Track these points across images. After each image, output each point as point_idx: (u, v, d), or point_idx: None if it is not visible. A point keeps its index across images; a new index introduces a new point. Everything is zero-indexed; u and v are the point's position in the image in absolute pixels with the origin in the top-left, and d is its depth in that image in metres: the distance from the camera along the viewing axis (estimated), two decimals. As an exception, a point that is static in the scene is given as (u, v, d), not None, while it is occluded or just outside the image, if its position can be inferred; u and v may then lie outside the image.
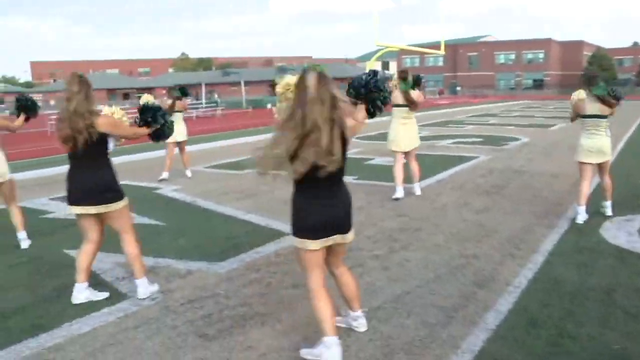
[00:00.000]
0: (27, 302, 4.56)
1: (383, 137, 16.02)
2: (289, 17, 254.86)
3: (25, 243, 6.14)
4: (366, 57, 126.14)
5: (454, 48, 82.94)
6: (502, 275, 4.91)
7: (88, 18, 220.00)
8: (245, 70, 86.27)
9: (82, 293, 4.52)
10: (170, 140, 10.25)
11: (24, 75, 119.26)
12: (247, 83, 76.84)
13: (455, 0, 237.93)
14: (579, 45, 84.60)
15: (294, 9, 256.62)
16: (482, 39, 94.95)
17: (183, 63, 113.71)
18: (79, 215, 4.43)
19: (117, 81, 69.78)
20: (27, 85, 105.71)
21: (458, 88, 78.83)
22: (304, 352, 3.55)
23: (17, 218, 6.13)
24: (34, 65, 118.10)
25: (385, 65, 48.34)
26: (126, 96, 74.33)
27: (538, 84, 79.71)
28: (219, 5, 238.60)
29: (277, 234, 6.33)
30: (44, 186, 10.09)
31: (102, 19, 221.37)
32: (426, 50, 32.82)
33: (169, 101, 9.93)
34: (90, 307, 4.40)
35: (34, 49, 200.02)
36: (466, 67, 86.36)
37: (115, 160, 4.73)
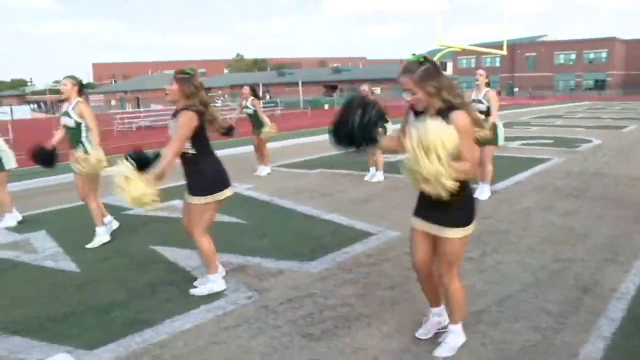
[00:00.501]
0: (123, 297, 4.63)
1: None
2: (342, 18, 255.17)
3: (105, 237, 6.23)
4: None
5: (511, 48, 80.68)
6: (605, 280, 4.69)
7: (146, 21, 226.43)
8: (299, 70, 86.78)
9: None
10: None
11: (87, 76, 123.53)
12: (301, 83, 77.44)
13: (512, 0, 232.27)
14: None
15: (348, 10, 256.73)
16: (540, 39, 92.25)
17: (238, 64, 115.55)
18: (220, 202, 4.48)
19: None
20: (89, 86, 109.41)
21: (515, 89, 76.89)
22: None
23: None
24: (96, 66, 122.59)
25: (444, 66, 47.62)
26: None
27: (600, 85, 76.79)
28: (273, 7, 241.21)
29: (362, 235, 6.27)
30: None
31: (158, 22, 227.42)
32: (489, 50, 32.11)
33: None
34: (187, 304, 4.43)
35: (96, 51, 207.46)
36: (524, 67, 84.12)
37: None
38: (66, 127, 5.85)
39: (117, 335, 3.92)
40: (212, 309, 4.36)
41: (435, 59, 26.85)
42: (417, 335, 3.74)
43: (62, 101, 6.02)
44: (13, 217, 7.23)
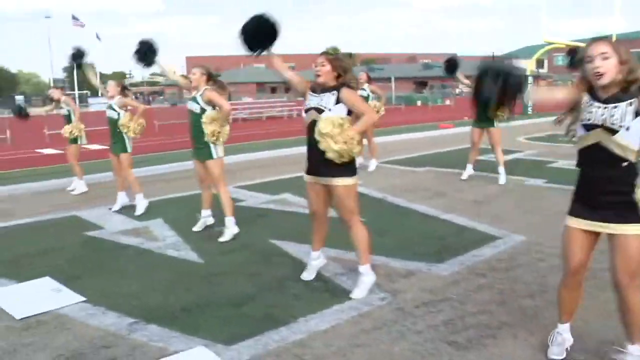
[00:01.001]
0: (251, 291, 4.52)
1: (551, 139, 15.03)
2: (431, 12, 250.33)
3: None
4: (514, 54, 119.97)
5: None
6: None
7: (237, 15, 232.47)
8: (389, 66, 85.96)
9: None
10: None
11: (180, 70, 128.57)
12: (390, 79, 76.63)
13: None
14: None
15: (437, 3, 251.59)
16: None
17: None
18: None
19: (267, 75, 72.66)
20: (184, 78, 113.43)
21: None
22: None
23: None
24: (189, 60, 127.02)
25: (540, 64, 45.34)
26: (274, 90, 77.37)
27: None
28: (362, 1, 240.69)
29: (487, 238, 5.87)
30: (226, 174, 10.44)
31: (247, 15, 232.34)
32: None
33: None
34: (317, 302, 4.25)
35: (189, 45, 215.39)
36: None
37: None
38: (191, 112, 5.89)
39: (253, 331, 3.79)
40: (346, 309, 4.15)
41: (535, 56, 25.49)
42: (550, 356, 3.33)
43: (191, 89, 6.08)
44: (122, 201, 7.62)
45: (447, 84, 74.81)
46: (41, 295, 4.43)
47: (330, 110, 4.13)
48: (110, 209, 7.50)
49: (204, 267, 5.15)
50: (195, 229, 6.25)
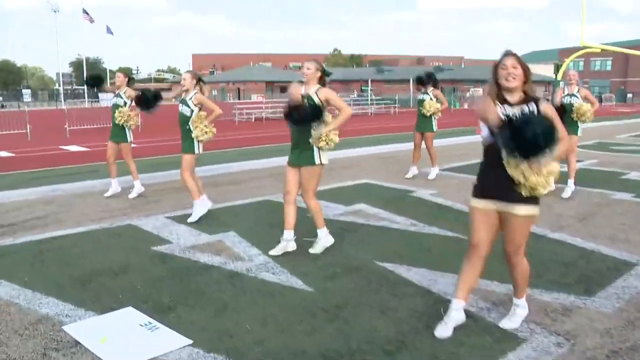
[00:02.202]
0: (395, 333, 3.69)
1: (601, 146, 14.29)
2: (439, 15, 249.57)
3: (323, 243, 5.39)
4: (526, 58, 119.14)
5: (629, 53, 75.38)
6: None
7: (243, 13, 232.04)
8: (399, 68, 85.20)
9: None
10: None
11: (187, 66, 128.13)
12: (400, 81, 75.78)
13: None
14: None
15: (444, 6, 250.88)
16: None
17: (335, 58, 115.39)
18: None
19: (276, 75, 71.94)
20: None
21: (629, 95, 71.40)
22: None
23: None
24: (195, 57, 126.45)
25: (558, 68, 44.47)
26: (283, 90, 76.45)
27: None
28: (369, 3, 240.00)
29: (622, 264, 5.08)
30: (275, 179, 9.64)
31: (253, 15, 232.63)
32: (633, 52, 29.38)
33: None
34: (487, 349, 3.45)
35: (196, 42, 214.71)
36: (637, 73, 78.05)
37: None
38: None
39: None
40: (524, 359, 3.31)
41: (568, 61, 24.72)
42: None
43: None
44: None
45: (457, 87, 74.15)
46: (134, 335, 3.57)
47: None
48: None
49: (316, 297, 4.28)
50: (273, 252, 5.28)
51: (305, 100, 5.02)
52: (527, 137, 3.03)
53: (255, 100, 36.88)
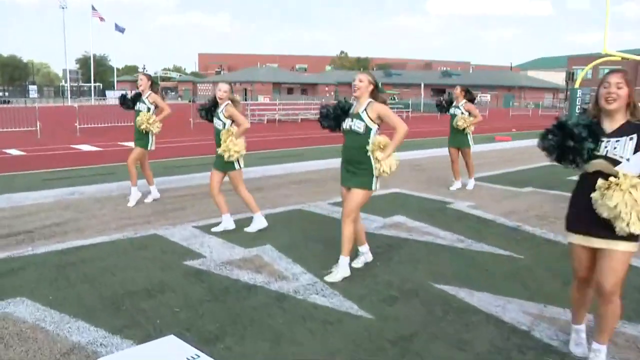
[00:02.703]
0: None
1: None
2: (447, 21, 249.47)
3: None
4: (529, 65, 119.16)
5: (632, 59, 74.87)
6: None
7: (250, 14, 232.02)
8: (407, 72, 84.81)
9: None
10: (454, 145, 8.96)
11: (193, 66, 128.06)
12: (408, 85, 75.43)
13: (628, 6, 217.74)
14: None
15: (452, 11, 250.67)
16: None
17: (341, 61, 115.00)
18: None
19: (283, 76, 71.79)
20: (195, 75, 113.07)
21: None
22: None
23: None
24: (201, 56, 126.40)
25: (570, 77, 43.93)
26: (290, 91, 76.12)
27: None
28: (376, 6, 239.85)
29: None
30: (299, 186, 9.16)
31: (259, 15, 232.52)
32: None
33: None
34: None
35: (202, 42, 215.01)
36: (646, 81, 77.50)
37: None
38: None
39: None
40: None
41: (587, 68, 24.12)
42: None
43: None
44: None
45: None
46: (181, 371, 3.11)
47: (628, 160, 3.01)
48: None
49: (379, 325, 3.82)
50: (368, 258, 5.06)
51: (351, 123, 4.59)
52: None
53: (267, 102, 36.45)
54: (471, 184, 9.09)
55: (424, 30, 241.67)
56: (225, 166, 5.95)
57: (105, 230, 6.10)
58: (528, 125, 27.52)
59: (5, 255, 5.15)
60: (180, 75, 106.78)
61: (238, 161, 5.96)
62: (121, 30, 49.21)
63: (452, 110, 8.93)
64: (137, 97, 7.40)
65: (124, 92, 7.77)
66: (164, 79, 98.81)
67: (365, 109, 4.57)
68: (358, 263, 5.01)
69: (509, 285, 4.65)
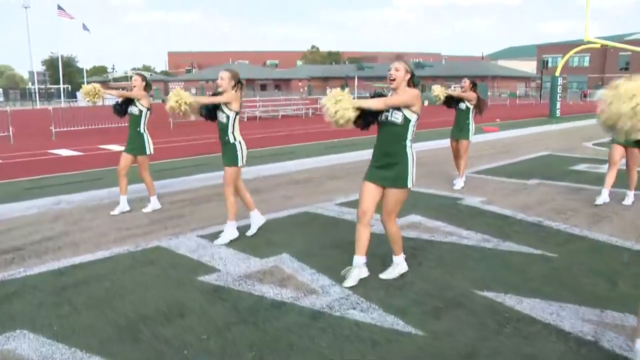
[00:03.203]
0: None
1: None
2: (413, 12, 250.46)
3: None
4: (499, 55, 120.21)
5: (603, 47, 76.06)
6: None
7: (218, 11, 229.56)
8: (379, 65, 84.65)
9: None
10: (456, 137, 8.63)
11: (162, 65, 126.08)
12: (381, 78, 75.21)
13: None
14: None
15: (419, 3, 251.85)
16: (630, 37, 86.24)
17: (312, 56, 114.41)
18: None
19: (255, 72, 71.01)
20: (165, 74, 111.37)
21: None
22: None
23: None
24: (171, 55, 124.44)
25: (545, 65, 44.23)
26: (264, 87, 75.31)
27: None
28: (341, 0, 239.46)
29: None
30: (302, 186, 8.74)
31: (228, 12, 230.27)
32: (633, 48, 29.05)
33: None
34: None
35: (171, 40, 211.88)
36: (615, 68, 78.91)
37: None
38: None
39: None
40: None
41: (566, 56, 24.18)
42: None
43: None
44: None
45: (438, 83, 73.85)
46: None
47: None
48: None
49: (433, 344, 3.43)
50: (348, 284, 4.39)
51: (387, 114, 4.21)
52: None
53: (246, 99, 35.71)
54: (459, 184, 8.61)
55: (393, 22, 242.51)
56: (230, 160, 5.51)
57: (102, 244, 5.59)
58: (508, 115, 27.44)
59: (-5, 278, 4.61)
60: (150, 75, 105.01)
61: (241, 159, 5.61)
62: (87, 29, 47.83)
63: (461, 105, 8.56)
64: (129, 101, 6.86)
65: (117, 100, 7.13)
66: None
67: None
68: (350, 282, 4.41)
69: (554, 288, 4.33)
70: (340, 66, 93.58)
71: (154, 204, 7.00)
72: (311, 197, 7.82)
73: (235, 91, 5.52)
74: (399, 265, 4.59)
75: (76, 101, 45.90)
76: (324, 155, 11.99)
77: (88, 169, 10.43)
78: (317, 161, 11.30)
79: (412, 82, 4.31)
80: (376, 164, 4.35)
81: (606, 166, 10.10)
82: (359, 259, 4.44)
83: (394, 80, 4.26)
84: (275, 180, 9.24)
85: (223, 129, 5.51)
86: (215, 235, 5.74)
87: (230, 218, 5.62)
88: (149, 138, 6.93)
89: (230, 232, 5.62)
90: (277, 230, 6.01)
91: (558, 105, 25.60)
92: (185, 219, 6.59)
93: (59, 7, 45.64)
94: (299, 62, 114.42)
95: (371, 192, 4.35)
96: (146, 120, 6.92)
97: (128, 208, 6.98)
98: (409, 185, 4.29)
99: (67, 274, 4.70)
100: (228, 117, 5.46)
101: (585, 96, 66.46)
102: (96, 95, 6.71)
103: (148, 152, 6.92)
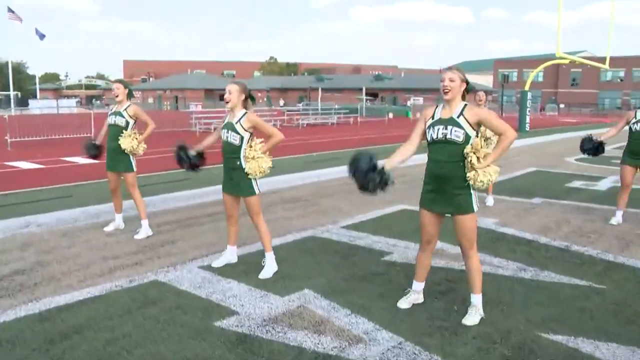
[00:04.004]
0: None
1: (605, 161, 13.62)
2: (369, 26, 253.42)
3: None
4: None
5: (556, 64, 78.42)
6: None
7: (173, 21, 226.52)
8: (338, 76, 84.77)
9: None
10: None
11: (117, 73, 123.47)
12: (340, 90, 75.21)
13: (539, 14, 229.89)
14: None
15: (373, 17, 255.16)
16: (578, 54, 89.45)
17: (271, 67, 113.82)
18: None
19: (215, 82, 69.66)
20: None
21: (561, 105, 74.36)
22: None
23: None
24: (127, 63, 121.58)
25: (506, 79, 44.78)
26: (222, 97, 74.03)
27: (648, 104, 74.39)
28: (300, 12, 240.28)
29: None
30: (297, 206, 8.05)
31: (185, 22, 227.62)
32: (592, 63, 29.61)
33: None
34: None
35: (126, 48, 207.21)
36: (567, 83, 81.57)
37: None
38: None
39: None
40: None
41: (536, 70, 24.38)
42: None
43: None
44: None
45: (397, 95, 74.44)
46: None
47: None
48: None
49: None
50: (402, 306, 4.08)
51: (445, 131, 3.72)
52: None
53: (211, 110, 34.72)
54: (490, 200, 8.27)
55: (350, 35, 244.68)
56: (248, 189, 4.79)
57: (88, 278, 4.78)
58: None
59: (-36, 326, 3.76)
60: (106, 83, 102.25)
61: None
62: (41, 36, 45.77)
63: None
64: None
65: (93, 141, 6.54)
66: (88, 87, 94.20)
67: (462, 113, 3.71)
68: (405, 303, 4.15)
69: (624, 329, 3.85)
70: (299, 77, 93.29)
71: (145, 229, 6.16)
72: (311, 218, 7.17)
73: (246, 107, 4.83)
74: (479, 308, 3.97)
75: (28, 109, 43.78)
76: (308, 171, 11.35)
77: (54, 184, 9.46)
78: (301, 177, 10.65)
79: (467, 92, 3.79)
80: (431, 187, 3.79)
81: (602, 182, 9.90)
82: (419, 285, 4.20)
83: (449, 91, 3.73)
84: (268, 199, 8.51)
85: (234, 152, 4.77)
86: (221, 267, 5.03)
87: (267, 249, 4.91)
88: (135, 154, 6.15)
89: (271, 263, 4.92)
90: (288, 259, 5.33)
91: (527, 119, 25.73)
92: (177, 245, 5.82)
93: (9, 10, 43.52)
94: (257, 73, 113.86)
95: (431, 221, 3.93)
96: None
97: (123, 226, 6.39)
98: (476, 209, 3.72)
99: (52, 320, 3.89)
100: (242, 138, 4.73)
101: (542, 110, 68.26)
102: (133, 148, 6.03)
103: (134, 169, 6.12)
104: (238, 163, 4.75)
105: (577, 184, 10.24)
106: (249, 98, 4.84)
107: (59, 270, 4.99)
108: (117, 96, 6.01)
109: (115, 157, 6.04)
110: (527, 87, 25.29)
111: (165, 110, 57.67)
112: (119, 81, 6.16)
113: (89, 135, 15.97)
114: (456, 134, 3.65)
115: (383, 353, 3.41)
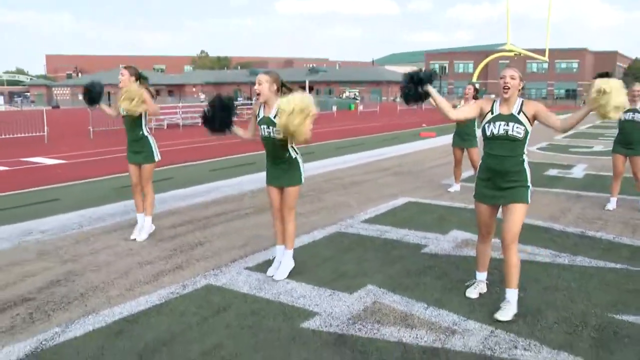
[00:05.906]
0: None
1: (569, 149, 14.30)
2: (296, 19, 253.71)
3: None
4: (384, 61, 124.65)
5: (485, 54, 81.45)
6: None
7: (99, 13, 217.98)
8: (270, 70, 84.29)
9: None
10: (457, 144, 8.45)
11: (39, 68, 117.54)
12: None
13: (463, 7, 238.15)
14: (612, 55, 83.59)
15: (298, 10, 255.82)
16: (500, 47, 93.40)
17: (202, 61, 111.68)
18: None
19: (160, 77, 67.72)
20: (46, 78, 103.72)
21: (492, 95, 77.47)
22: None
23: None
24: (49, 58, 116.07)
25: (443, 71, 46.10)
26: (157, 92, 72.10)
27: (571, 94, 78.72)
28: (228, 6, 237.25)
29: None
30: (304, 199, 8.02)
31: (108, 15, 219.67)
32: (534, 55, 31.02)
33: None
34: None
35: (47, 42, 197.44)
36: (497, 74, 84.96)
37: None
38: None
39: None
40: None
41: (485, 61, 25.28)
42: None
43: None
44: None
45: (333, 88, 74.97)
46: None
47: None
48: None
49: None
50: (472, 295, 4.26)
51: (506, 127, 3.85)
52: None
53: (167, 105, 33.74)
54: (455, 187, 8.76)
55: (278, 29, 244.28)
56: (293, 179, 4.71)
57: (135, 287, 4.56)
58: (424, 120, 28.09)
59: (29, 349, 3.49)
60: (31, 79, 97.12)
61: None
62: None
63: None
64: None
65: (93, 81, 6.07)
66: (11, 83, 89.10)
67: (522, 110, 3.84)
68: (474, 293, 4.27)
69: None
70: (232, 71, 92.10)
71: (149, 227, 6.00)
72: (323, 214, 7.15)
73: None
74: (513, 304, 3.95)
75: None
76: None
77: (29, 187, 8.94)
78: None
79: (522, 90, 3.97)
80: (489, 182, 3.95)
81: (575, 170, 10.40)
82: (482, 275, 4.33)
83: (509, 89, 3.86)
84: (266, 199, 8.39)
85: (282, 143, 4.67)
86: (260, 267, 4.94)
87: (290, 246, 4.83)
88: (154, 141, 5.97)
89: (290, 262, 4.84)
90: (331, 256, 5.30)
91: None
92: (207, 247, 5.66)
93: None
94: (187, 67, 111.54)
95: (488, 213, 4.08)
96: (147, 120, 5.93)
97: (154, 227, 6.10)
98: (529, 201, 3.90)
99: (128, 333, 3.69)
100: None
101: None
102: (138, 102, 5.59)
103: (157, 158, 5.92)
104: (287, 155, 4.65)
105: (553, 172, 10.70)
106: (283, 87, 4.68)
107: (98, 279, 4.74)
108: (121, 83, 5.67)
109: (134, 148, 5.81)
110: (474, 79, 26.15)
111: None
112: (127, 67, 5.77)
113: (37, 134, 15.14)
114: (517, 131, 3.79)
115: (482, 342, 3.47)
